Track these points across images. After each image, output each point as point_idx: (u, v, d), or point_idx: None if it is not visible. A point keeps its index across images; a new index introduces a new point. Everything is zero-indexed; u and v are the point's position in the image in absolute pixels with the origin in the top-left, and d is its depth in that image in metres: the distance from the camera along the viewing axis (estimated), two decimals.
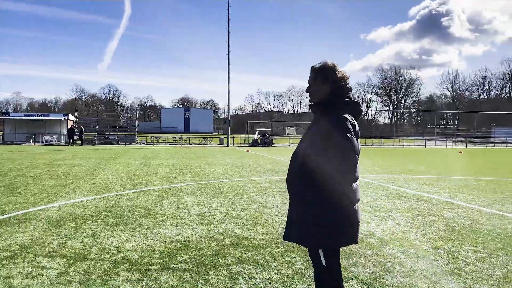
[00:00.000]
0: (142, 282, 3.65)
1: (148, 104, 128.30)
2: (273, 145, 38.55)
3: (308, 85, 2.63)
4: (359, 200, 2.57)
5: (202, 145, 38.84)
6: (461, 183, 10.95)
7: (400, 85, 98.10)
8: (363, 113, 3.34)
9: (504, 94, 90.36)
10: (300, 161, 2.54)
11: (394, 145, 47.52)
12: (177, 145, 39.58)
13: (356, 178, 2.52)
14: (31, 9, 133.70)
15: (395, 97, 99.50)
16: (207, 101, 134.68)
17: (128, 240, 5.01)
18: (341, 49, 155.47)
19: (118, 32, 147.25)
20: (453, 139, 55.06)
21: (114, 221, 5.98)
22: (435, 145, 47.46)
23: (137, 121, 48.03)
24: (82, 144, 36.39)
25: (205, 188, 9.39)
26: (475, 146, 48.65)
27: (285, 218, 6.19)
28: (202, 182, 10.61)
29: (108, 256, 4.39)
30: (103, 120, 48.77)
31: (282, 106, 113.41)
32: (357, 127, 2.50)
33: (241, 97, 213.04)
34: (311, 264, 4.10)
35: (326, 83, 2.55)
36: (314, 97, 2.60)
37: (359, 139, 2.53)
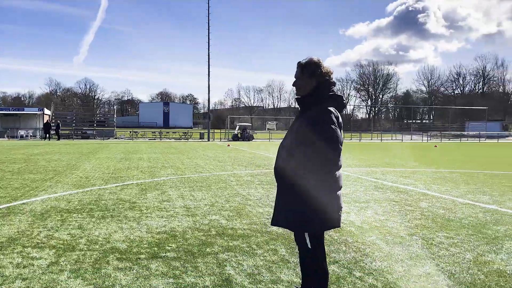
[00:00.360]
0: (133, 270, 3.77)
1: (126, 98, 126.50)
2: (253, 140, 38.74)
3: (294, 79, 2.80)
4: (341, 187, 2.76)
5: (182, 140, 38.70)
6: (435, 175, 11.38)
7: (377, 81, 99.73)
8: (346, 106, 3.43)
9: (477, 90, 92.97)
10: (287, 152, 2.71)
11: (372, 139, 48.41)
12: (156, 140, 39.32)
13: (339, 167, 2.71)
14: (2, 0, 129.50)
15: (373, 92, 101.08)
16: (186, 96, 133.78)
17: (115, 231, 5.10)
18: (320, 44, 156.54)
19: (94, 25, 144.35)
20: (429, 134, 56.42)
21: (99, 214, 6.04)
22: (411, 140, 48.59)
23: (115, 116, 47.30)
24: (58, 139, 35.73)
25: (188, 182, 9.49)
26: (449, 140, 50.03)
27: (268, 209, 6.40)
28: (185, 176, 10.70)
29: (97, 246, 4.47)
30: (79, 115, 47.90)
31: (262, 101, 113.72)
32: (340, 119, 2.68)
33: (221, 92, 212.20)
34: (295, 250, 4.31)
35: (312, 78, 2.72)
36: (301, 91, 2.77)
37: (342, 130, 2.71)
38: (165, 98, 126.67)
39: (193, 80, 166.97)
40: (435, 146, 33.11)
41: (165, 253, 4.27)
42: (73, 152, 19.73)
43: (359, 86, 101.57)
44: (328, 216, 2.67)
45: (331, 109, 2.64)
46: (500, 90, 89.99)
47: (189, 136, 41.49)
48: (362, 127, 71.69)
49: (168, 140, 39.13)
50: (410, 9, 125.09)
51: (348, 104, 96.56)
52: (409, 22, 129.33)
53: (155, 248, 4.41)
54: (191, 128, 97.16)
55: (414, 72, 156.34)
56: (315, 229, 2.70)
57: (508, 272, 3.81)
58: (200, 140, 39.52)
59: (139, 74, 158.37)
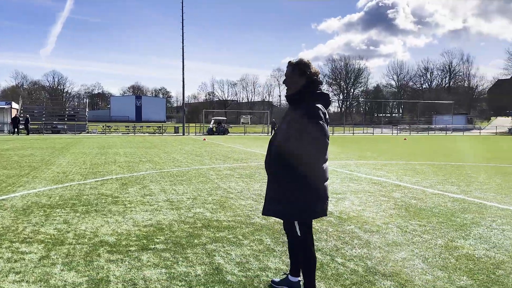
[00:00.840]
0: (124, 262, 3.88)
1: (96, 91, 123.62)
2: (228, 134, 38.81)
3: (285, 77, 3.00)
4: (328, 178, 2.98)
5: (156, 134, 38.33)
6: (406, 167, 11.87)
7: (349, 75, 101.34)
8: (331, 103, 3.63)
9: (444, 84, 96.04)
10: (278, 146, 2.89)
11: (344, 132, 49.35)
12: (130, 134, 38.79)
13: (326, 160, 2.92)
14: None
15: (344, 86, 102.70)
16: (159, 89, 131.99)
17: (102, 225, 5.17)
18: (293, 39, 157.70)
19: (62, 16, 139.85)
20: (398, 127, 58.02)
21: (83, 209, 6.08)
22: (382, 133, 49.84)
23: (87, 110, 46.26)
24: (28, 133, 34.70)
25: (168, 176, 9.57)
26: (418, 133, 51.62)
27: (250, 202, 6.59)
28: (164, 170, 10.74)
29: (86, 240, 4.55)
30: (48, 109, 46.57)
31: (236, 94, 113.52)
32: (327, 115, 2.89)
33: (194, 85, 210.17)
34: (279, 240, 4.53)
35: (302, 77, 2.92)
36: (291, 89, 2.97)
37: (328, 126, 2.92)
38: (137, 92, 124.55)
39: (166, 73, 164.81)
40: (405, 139, 34.15)
41: (154, 245, 4.39)
42: (45, 147, 19.30)
43: (331, 81, 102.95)
44: (317, 206, 2.88)
45: (319, 106, 2.85)
46: (466, 85, 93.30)
47: (163, 130, 41.11)
48: (334, 121, 72.91)
49: (142, 134, 38.66)
50: (380, 4, 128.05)
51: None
52: (379, 17, 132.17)
53: (144, 241, 4.53)
54: (164, 122, 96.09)
55: (384, 67, 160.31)
56: (304, 218, 2.91)
57: (476, 256, 4.15)
58: (175, 134, 39.25)
59: (110, 66, 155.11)
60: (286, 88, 3.00)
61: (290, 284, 3.27)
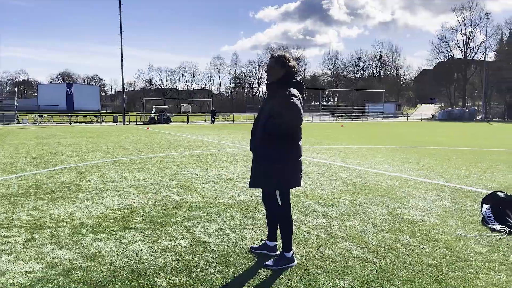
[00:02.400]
0: (111, 240, 4.18)
1: (20, 79, 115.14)
2: (171, 123, 38.42)
3: (267, 68, 3.50)
4: (302, 154, 3.53)
5: (94, 124, 36.96)
6: (347, 151, 12.89)
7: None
8: (305, 90, 4.08)
9: (375, 74, 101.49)
10: (262, 126, 3.39)
11: None
12: (65, 124, 37.03)
13: (301, 138, 3.47)
14: None
15: None
16: (92, 77, 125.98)
17: (75, 210, 5.34)
18: (231, 26, 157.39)
19: None
20: (335, 115, 60.77)
21: (48, 196, 6.15)
22: (320, 120, 51.96)
23: (16, 99, 43.27)
24: None
25: (123, 164, 9.66)
26: (353, 120, 54.49)
27: (213, 185, 7.03)
28: (117, 159, 10.78)
29: (64, 223, 4.74)
30: None
31: (175, 82, 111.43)
32: (301, 99, 3.42)
33: (130, 73, 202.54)
34: (249, 215, 5.03)
35: (283, 68, 3.44)
36: (272, 77, 3.47)
37: (302, 107, 3.45)
38: (67, 79, 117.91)
39: (99, 60, 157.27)
40: (342, 125, 36.06)
41: (134, 225, 4.70)
42: None
43: None
44: (294, 177, 3.43)
45: (295, 91, 3.38)
46: (394, 74, 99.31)
47: (101, 120, 39.71)
48: None
49: (78, 124, 37.07)
50: None
51: (261, 87, 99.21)
52: (315, 8, 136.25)
53: (123, 222, 4.82)
54: (98, 111, 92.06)
55: (320, 56, 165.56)
56: (285, 187, 3.45)
57: (415, 220, 4.95)
58: (114, 123, 38.09)
59: (37, 53, 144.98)
60: (267, 76, 3.51)
61: (268, 248, 3.80)
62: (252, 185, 3.53)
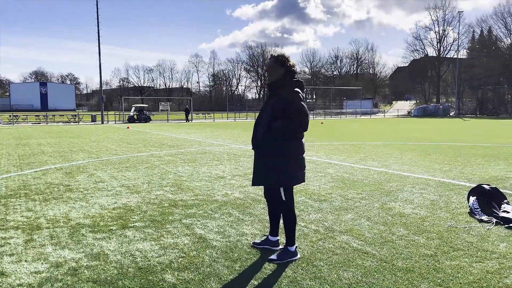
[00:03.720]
0: (112, 239, 4.18)
1: None
2: (151, 122, 38.02)
3: (267, 68, 3.59)
4: (304, 151, 3.64)
5: (72, 124, 36.22)
6: (331, 147, 13.11)
7: (266, 62, 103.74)
8: (304, 88, 4.13)
9: (352, 71, 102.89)
10: (265, 125, 3.46)
11: None
12: (42, 124, 36.14)
13: (303, 135, 3.58)
14: None
15: (262, 73, 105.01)
16: (66, 75, 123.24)
17: (69, 211, 5.30)
18: (208, 24, 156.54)
19: None
20: (314, 112, 61.34)
21: (40, 197, 6.07)
22: None
23: None
24: None
25: (110, 164, 9.58)
26: (332, 117, 55.15)
27: (204, 183, 7.07)
28: (102, 159, 10.66)
29: (62, 224, 4.71)
30: None
31: (153, 81, 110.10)
32: (304, 99, 3.52)
33: (107, 71, 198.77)
34: (246, 212, 5.10)
35: (282, 67, 3.53)
36: (272, 77, 3.56)
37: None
38: (40, 78, 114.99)
39: (73, 57, 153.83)
40: (322, 123, 36.48)
41: (133, 223, 4.71)
42: None
43: (249, 67, 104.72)
44: (298, 173, 3.53)
45: (298, 90, 3.48)
46: (371, 72, 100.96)
47: (79, 119, 38.93)
48: (253, 107, 74.72)
49: (55, 124, 36.23)
50: None
51: (240, 85, 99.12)
52: (292, 6, 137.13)
53: (121, 221, 4.82)
54: (74, 110, 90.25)
55: (298, 54, 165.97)
56: (289, 184, 3.54)
57: (405, 213, 5.13)
58: (93, 123, 37.41)
59: (7, 50, 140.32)
60: (268, 76, 3.59)
61: (270, 243, 3.89)
62: (255, 182, 3.61)
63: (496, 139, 16.52)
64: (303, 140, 3.62)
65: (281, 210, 3.66)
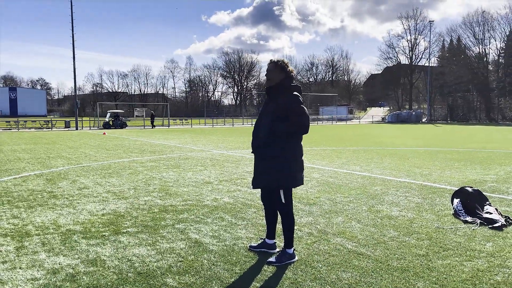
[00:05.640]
0: (107, 244, 4.13)
1: None
2: (126, 127, 37.45)
3: (267, 72, 3.66)
4: (303, 154, 3.72)
5: (44, 130, 35.26)
6: (313, 153, 13.28)
7: (242, 68, 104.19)
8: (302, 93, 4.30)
9: (327, 78, 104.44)
10: (266, 128, 3.53)
11: (243, 124, 51.02)
12: (13, 129, 35.03)
13: (301, 138, 3.66)
14: None
15: (238, 79, 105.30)
16: (36, 80, 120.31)
17: (57, 217, 5.19)
18: (184, 30, 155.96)
19: None
20: None
21: (24, 204, 5.91)
22: None
23: None
24: None
25: (92, 170, 9.41)
26: None
27: (191, 188, 7.06)
28: (83, 165, 10.46)
29: (51, 230, 4.61)
30: None
31: (128, 86, 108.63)
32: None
33: (79, 76, 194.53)
34: (237, 216, 5.13)
35: (282, 72, 3.61)
36: (272, 81, 3.63)
37: None
38: (9, 83, 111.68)
39: (44, 61, 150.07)
40: None
41: (126, 229, 4.67)
42: None
43: (225, 73, 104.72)
44: (297, 175, 3.61)
45: (297, 94, 3.57)
46: (346, 79, 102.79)
47: (52, 125, 37.93)
48: (230, 113, 74.72)
49: (27, 130, 35.19)
50: (267, 0, 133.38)
51: (216, 90, 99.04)
52: (267, 13, 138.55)
53: (112, 227, 4.76)
54: (45, 116, 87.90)
55: None
56: (288, 186, 3.61)
57: (394, 215, 5.28)
58: (67, 129, 36.53)
59: None
60: (267, 80, 3.66)
61: (267, 246, 3.94)
62: (256, 185, 3.66)
63: (468, 144, 17.13)
64: (302, 142, 3.71)
65: (281, 212, 3.71)
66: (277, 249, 3.94)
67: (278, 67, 3.63)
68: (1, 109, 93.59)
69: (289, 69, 3.64)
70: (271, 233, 3.95)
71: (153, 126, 40.14)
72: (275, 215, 3.90)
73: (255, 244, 4.03)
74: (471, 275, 3.39)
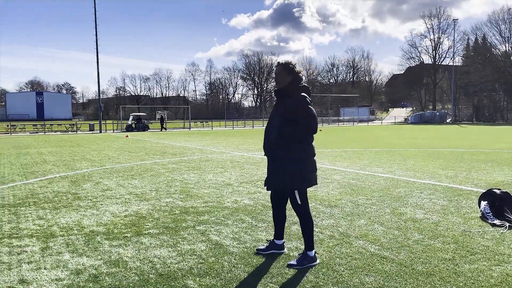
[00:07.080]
0: (129, 245, 4.17)
1: None
2: (149, 130, 37.98)
3: (275, 75, 3.66)
4: (315, 154, 3.69)
5: (69, 133, 36.12)
6: (334, 154, 13.14)
7: (262, 70, 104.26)
8: (311, 93, 4.32)
9: (348, 79, 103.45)
10: (276, 130, 3.51)
11: (263, 126, 51.01)
12: (40, 133, 36.02)
13: (313, 138, 3.63)
14: None
15: (258, 81, 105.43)
16: (62, 84, 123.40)
17: (81, 218, 5.28)
18: (205, 33, 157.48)
19: None
20: None
21: (49, 205, 6.04)
22: None
23: None
24: None
25: (115, 172, 9.56)
26: (329, 125, 55.29)
27: (212, 190, 7.07)
28: (106, 167, 10.64)
29: (76, 231, 4.69)
30: None
31: (150, 89, 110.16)
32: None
33: (103, 80, 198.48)
34: (258, 218, 5.11)
35: (289, 74, 3.61)
36: (280, 84, 3.64)
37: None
38: (36, 87, 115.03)
39: (69, 67, 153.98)
40: (320, 130, 36.57)
41: (147, 230, 4.70)
42: None
43: (245, 76, 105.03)
44: (311, 175, 3.58)
45: (305, 95, 3.54)
46: (367, 79, 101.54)
47: (77, 128, 38.83)
48: (250, 115, 74.88)
49: (53, 133, 36.13)
50: (287, 2, 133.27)
51: (236, 93, 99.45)
52: (287, 15, 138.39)
53: (135, 228, 4.81)
54: (71, 119, 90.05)
55: None
56: (303, 187, 3.58)
57: (417, 218, 5.15)
58: (91, 132, 37.33)
59: (3, 60, 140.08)
60: (276, 83, 3.66)
61: (276, 247, 3.92)
62: (270, 187, 3.65)
63: (495, 145, 16.62)
64: (313, 143, 3.67)
65: (297, 214, 3.68)
66: (285, 250, 3.93)
67: (285, 70, 3.62)
68: (28, 113, 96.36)
69: (296, 71, 3.63)
70: (279, 234, 3.93)
71: (162, 128, 40.24)
72: (283, 215, 3.89)
73: (263, 247, 3.99)
74: (500, 280, 3.26)
